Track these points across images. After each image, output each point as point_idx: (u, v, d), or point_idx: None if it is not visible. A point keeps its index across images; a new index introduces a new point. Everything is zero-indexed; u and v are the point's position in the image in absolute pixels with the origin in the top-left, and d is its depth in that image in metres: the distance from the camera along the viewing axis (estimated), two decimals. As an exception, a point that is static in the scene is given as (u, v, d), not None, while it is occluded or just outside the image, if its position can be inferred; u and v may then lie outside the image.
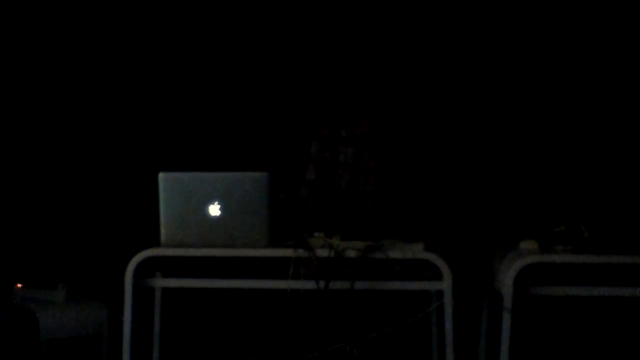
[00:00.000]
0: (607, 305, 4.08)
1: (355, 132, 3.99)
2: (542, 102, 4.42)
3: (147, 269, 3.49)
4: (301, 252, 3.32)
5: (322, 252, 3.34)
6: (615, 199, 4.23)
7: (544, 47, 4.41)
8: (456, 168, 4.44)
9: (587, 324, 4.25)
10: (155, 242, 3.40)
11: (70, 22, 4.52)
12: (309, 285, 3.32)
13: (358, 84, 4.03)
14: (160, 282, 3.58)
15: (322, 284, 3.32)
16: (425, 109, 4.45)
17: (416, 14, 4.45)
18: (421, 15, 4.45)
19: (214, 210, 3.30)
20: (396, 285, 3.42)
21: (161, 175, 3.32)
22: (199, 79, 4.55)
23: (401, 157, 4.00)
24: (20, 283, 4.01)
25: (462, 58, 4.44)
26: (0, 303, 3.86)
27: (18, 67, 4.50)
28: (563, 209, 4.19)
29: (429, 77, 4.46)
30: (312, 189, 3.98)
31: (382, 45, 4.44)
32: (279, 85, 4.51)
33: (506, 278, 3.31)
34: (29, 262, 4.36)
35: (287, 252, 3.33)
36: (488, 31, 4.43)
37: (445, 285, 3.33)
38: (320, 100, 4.28)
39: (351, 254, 3.34)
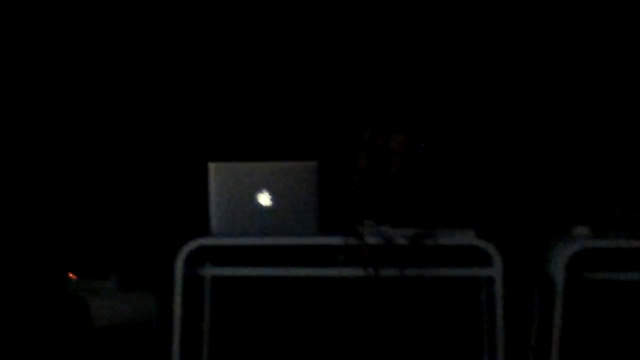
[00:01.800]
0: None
1: (409, 119, 3.97)
2: (598, 90, 4.35)
3: (197, 258, 3.51)
4: (351, 240, 3.32)
5: (372, 240, 3.33)
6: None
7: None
8: (508, 154, 4.39)
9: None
10: (206, 232, 3.41)
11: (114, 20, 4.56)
12: (359, 272, 3.32)
13: (412, 71, 4.01)
14: (211, 271, 3.60)
15: (371, 271, 3.31)
16: (477, 97, 4.41)
17: (476, 6, 4.41)
18: (480, 6, 4.40)
19: (264, 199, 3.31)
20: (446, 272, 3.40)
21: (211, 165, 3.34)
22: (249, 68, 4.55)
23: (454, 145, 3.98)
24: (73, 273, 4.07)
25: (516, 50, 4.39)
26: (54, 292, 3.92)
27: (66, 66, 4.55)
28: (617, 194, 4.14)
29: (484, 66, 4.41)
30: (363, 176, 3.97)
31: (436, 33, 4.40)
32: (330, 74, 4.49)
33: (559, 263, 3.28)
34: (81, 252, 4.41)
35: (337, 240, 3.33)
36: (547, 21, 4.37)
37: (496, 271, 3.31)
38: (372, 88, 4.27)
39: (401, 241, 3.33)
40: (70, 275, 4.05)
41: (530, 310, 3.85)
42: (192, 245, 3.41)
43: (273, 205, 3.31)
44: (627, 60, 4.31)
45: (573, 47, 4.36)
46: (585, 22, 4.36)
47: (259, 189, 3.31)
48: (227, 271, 3.54)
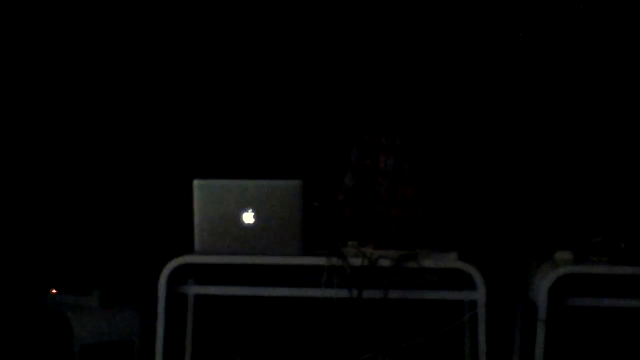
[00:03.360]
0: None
1: (396, 141, 3.98)
2: (582, 114, 4.38)
3: (181, 276, 3.50)
4: (335, 261, 3.32)
5: (356, 261, 3.34)
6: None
7: (578, 56, 4.38)
8: (491, 178, 4.41)
9: (623, 336, 4.20)
10: (189, 250, 3.41)
11: (108, 27, 4.56)
12: (343, 294, 3.32)
13: (399, 93, 4.03)
14: (194, 290, 3.60)
15: (355, 292, 3.31)
16: (464, 121, 4.43)
17: (465, 22, 4.43)
18: (466, 27, 4.43)
19: (248, 218, 3.31)
20: (430, 295, 3.41)
21: (196, 182, 3.34)
22: (235, 86, 4.56)
23: (440, 167, 3.99)
24: (54, 289, 4.05)
25: (500, 74, 4.42)
26: (34, 308, 3.89)
27: (57, 76, 4.55)
28: (599, 220, 4.15)
29: (468, 90, 4.44)
30: (349, 196, 3.97)
31: (426, 57, 4.42)
32: (317, 92, 4.51)
33: (541, 289, 3.29)
34: (63, 268, 4.39)
35: (321, 261, 3.33)
36: (532, 45, 4.41)
37: (479, 295, 3.32)
38: (360, 108, 4.28)
39: (385, 263, 3.34)
40: (52, 291, 4.03)
41: (512, 335, 3.85)
42: (175, 263, 3.41)
43: (257, 223, 3.31)
44: (603, 85, 4.35)
45: (555, 72, 4.39)
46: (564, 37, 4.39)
47: (243, 207, 3.31)
48: (211, 290, 3.54)
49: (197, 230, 3.35)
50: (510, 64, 4.41)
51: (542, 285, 3.29)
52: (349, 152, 4.01)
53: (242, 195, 3.31)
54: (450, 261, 3.35)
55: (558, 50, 4.40)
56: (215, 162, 4.42)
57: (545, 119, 4.40)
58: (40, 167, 4.52)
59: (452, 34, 4.43)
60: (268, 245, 3.33)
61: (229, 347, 4.24)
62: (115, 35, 4.56)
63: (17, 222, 4.42)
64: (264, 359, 4.23)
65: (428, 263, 3.34)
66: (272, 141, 4.51)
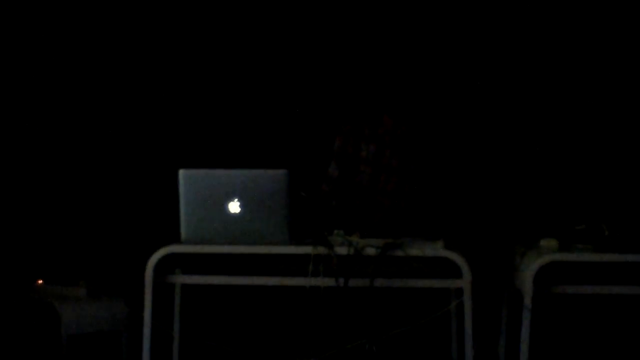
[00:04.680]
0: (627, 304, 4.06)
1: (378, 129, 3.99)
2: (565, 101, 4.40)
3: (167, 265, 3.50)
4: (321, 250, 3.33)
5: (342, 250, 3.34)
6: (636, 198, 4.20)
7: (560, 48, 4.40)
8: (476, 165, 4.43)
9: (607, 322, 4.23)
10: (176, 239, 3.41)
11: (98, 23, 4.55)
12: (329, 282, 3.33)
13: (381, 81, 4.03)
14: (180, 279, 3.59)
15: (341, 281, 3.32)
16: (446, 107, 4.45)
17: (444, 10, 4.44)
18: (448, 13, 4.43)
19: (234, 207, 3.31)
20: (415, 283, 3.42)
21: (181, 172, 3.33)
22: (219, 76, 4.56)
23: (423, 155, 4.00)
24: (41, 279, 4.04)
25: (483, 59, 4.43)
26: (22, 299, 3.89)
27: (44, 71, 4.54)
28: (583, 207, 4.18)
29: (452, 77, 4.45)
30: (334, 185, 3.98)
31: (407, 42, 4.43)
32: (300, 81, 4.51)
33: (526, 276, 3.30)
34: (50, 258, 4.39)
35: (307, 250, 3.34)
36: (517, 29, 4.41)
37: (465, 283, 3.33)
38: (342, 97, 4.29)
39: (370, 251, 3.34)
40: (39, 281, 4.03)
41: (498, 322, 3.87)
42: (162, 252, 3.41)
43: (243, 213, 3.31)
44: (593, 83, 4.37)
45: (539, 61, 4.41)
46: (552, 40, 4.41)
47: (229, 197, 3.31)
48: (197, 279, 3.54)
49: (182, 220, 3.34)
50: (494, 50, 4.42)
51: (527, 273, 3.31)
52: (332, 140, 4.02)
53: (227, 185, 3.30)
54: (436, 249, 3.36)
55: (545, 40, 4.41)
56: (200, 152, 4.42)
57: (529, 107, 4.42)
58: (25, 159, 4.52)
59: (432, 20, 4.44)
60: (254, 234, 3.33)
61: (216, 336, 4.25)
62: (101, 28, 4.56)
63: (4, 214, 4.42)
64: (252, 348, 4.24)
65: (414, 251, 3.35)
66: (258, 130, 4.51)
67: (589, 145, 4.37)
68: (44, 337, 3.79)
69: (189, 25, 4.55)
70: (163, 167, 4.12)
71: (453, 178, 4.40)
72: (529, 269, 3.30)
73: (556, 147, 4.39)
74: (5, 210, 4.42)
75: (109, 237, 4.48)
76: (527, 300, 3.30)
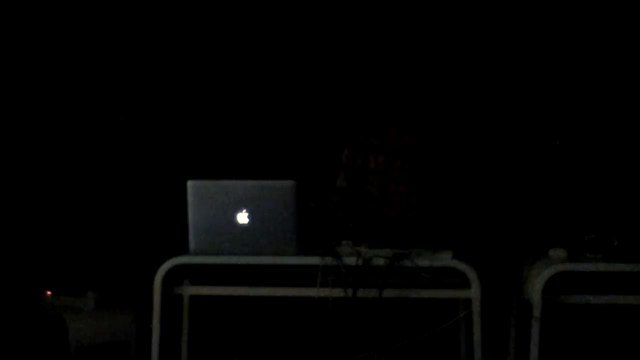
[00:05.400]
0: (637, 314, 4.04)
1: (387, 140, 3.99)
2: (573, 112, 4.39)
3: (176, 276, 3.50)
4: (329, 260, 3.33)
5: (350, 260, 3.34)
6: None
7: (566, 55, 4.40)
8: (486, 176, 4.42)
9: (617, 333, 4.21)
10: (184, 250, 3.41)
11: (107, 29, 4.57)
12: (337, 293, 3.32)
13: (389, 92, 4.04)
14: (189, 290, 3.60)
15: (350, 291, 3.32)
16: (454, 118, 4.44)
17: (453, 21, 4.44)
18: (457, 22, 4.43)
19: (242, 218, 3.31)
20: (424, 293, 3.42)
21: (190, 183, 3.34)
22: (229, 87, 4.57)
23: (431, 166, 4.00)
24: (50, 290, 4.05)
25: (492, 69, 4.43)
26: (30, 310, 3.90)
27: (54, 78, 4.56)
28: (593, 217, 4.16)
29: (460, 88, 4.45)
30: (342, 196, 3.98)
31: (415, 54, 4.43)
32: (309, 93, 4.52)
33: (535, 286, 3.30)
34: (58, 269, 4.40)
35: (315, 260, 3.34)
36: (527, 39, 4.41)
37: (474, 293, 3.32)
38: (351, 108, 4.29)
39: (379, 262, 3.34)
40: (47, 292, 4.03)
41: (507, 332, 3.86)
42: (170, 263, 3.41)
43: (251, 223, 3.31)
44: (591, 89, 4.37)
45: (549, 69, 4.41)
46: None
47: (237, 208, 3.31)
48: (206, 290, 3.54)
49: (191, 231, 3.35)
50: (504, 60, 4.42)
51: (537, 283, 3.30)
52: (341, 152, 4.02)
53: (236, 196, 3.31)
54: (444, 259, 3.36)
55: (552, 48, 4.41)
56: (209, 163, 4.42)
57: (539, 118, 4.41)
58: (35, 169, 4.53)
59: (440, 33, 4.44)
60: (262, 245, 3.33)
61: (225, 347, 4.25)
62: (110, 35, 4.57)
63: (13, 224, 4.42)
64: (260, 359, 4.23)
65: (422, 261, 3.35)
66: (266, 141, 4.51)
67: (599, 156, 4.36)
68: (53, 349, 3.79)
69: (201, 37, 4.55)
70: (172, 178, 4.12)
71: (462, 188, 4.39)
72: (538, 279, 3.30)
73: (566, 157, 4.39)
74: (14, 221, 4.43)
75: (117, 248, 4.48)
76: (536, 311, 3.30)
